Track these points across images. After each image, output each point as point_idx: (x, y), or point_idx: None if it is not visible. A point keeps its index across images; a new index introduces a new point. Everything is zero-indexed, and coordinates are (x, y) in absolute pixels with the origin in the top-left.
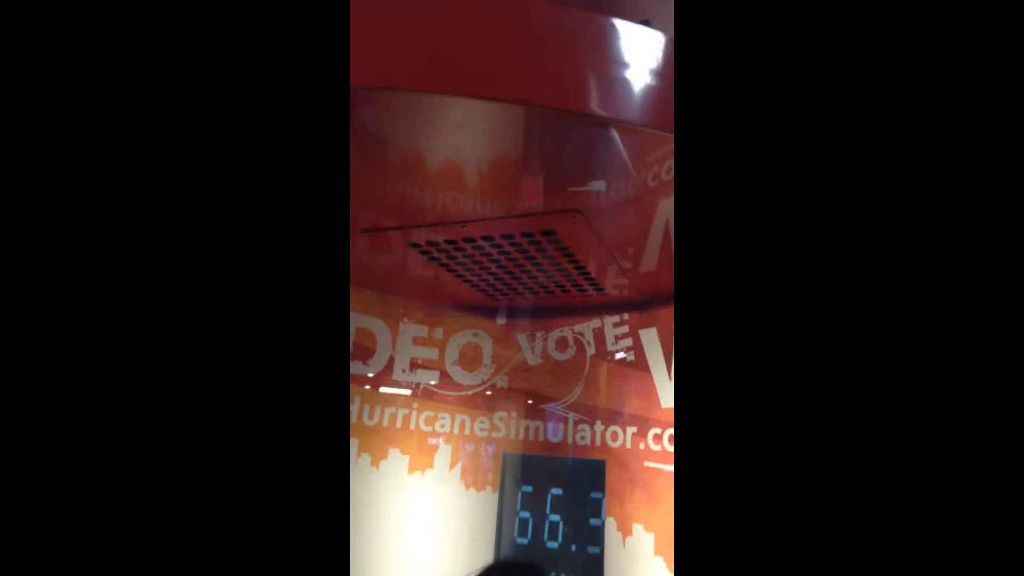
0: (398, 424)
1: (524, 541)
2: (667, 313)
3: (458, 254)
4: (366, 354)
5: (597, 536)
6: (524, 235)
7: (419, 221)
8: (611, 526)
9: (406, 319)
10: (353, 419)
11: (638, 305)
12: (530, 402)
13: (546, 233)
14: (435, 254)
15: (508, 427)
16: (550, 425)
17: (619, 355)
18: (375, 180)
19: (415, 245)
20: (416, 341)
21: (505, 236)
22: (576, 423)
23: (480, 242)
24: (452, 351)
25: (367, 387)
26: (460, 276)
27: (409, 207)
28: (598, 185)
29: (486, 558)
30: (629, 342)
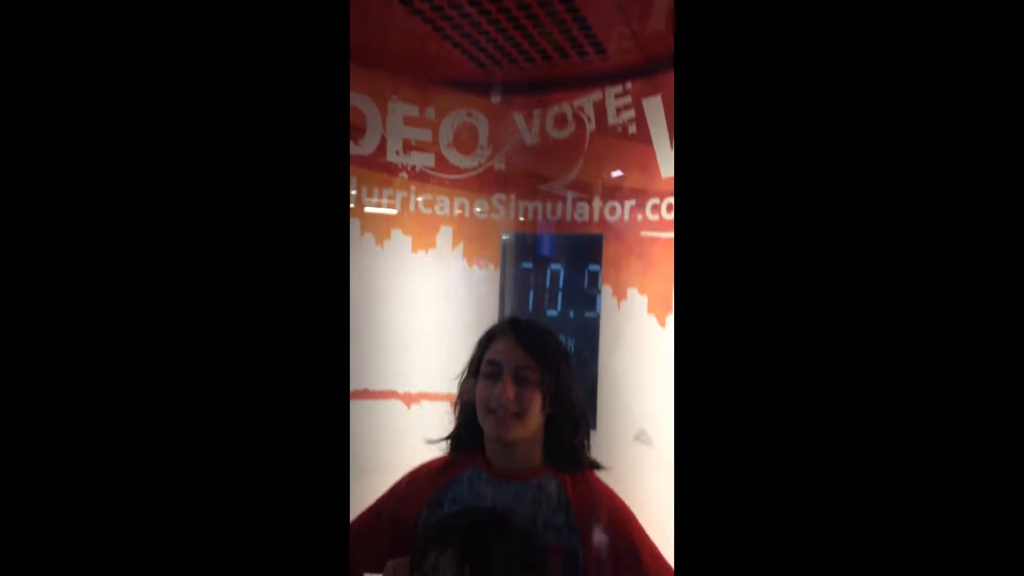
0: (397, 206)
1: (527, 312)
2: (672, 78)
3: (453, 13)
4: (356, 134)
5: (594, 303)
6: None
7: None
8: (607, 292)
9: (395, 97)
10: (352, 202)
11: (642, 72)
12: (528, 182)
13: None
14: (428, 14)
15: (507, 208)
16: (548, 206)
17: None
18: None
19: (406, 3)
20: (407, 121)
21: None
22: (575, 201)
23: None
24: (446, 132)
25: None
26: (453, 41)
27: None
28: None
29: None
30: (631, 114)
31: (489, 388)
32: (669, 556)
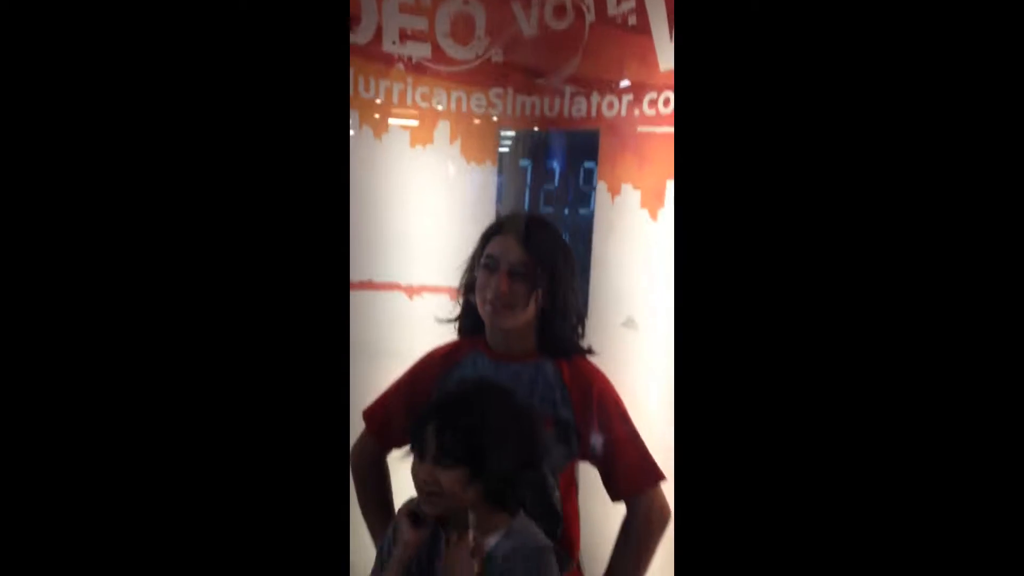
0: (395, 99)
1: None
2: None
3: None
4: (352, 21)
5: (588, 200)
6: None
7: None
8: (602, 188)
9: None
10: (351, 91)
11: None
12: (526, 76)
13: None
14: None
15: (505, 103)
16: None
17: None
18: None
19: None
20: (403, 8)
21: None
22: (572, 96)
23: None
24: (442, 22)
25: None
26: None
27: None
28: None
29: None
30: (631, 4)
31: (486, 280)
32: (664, 438)
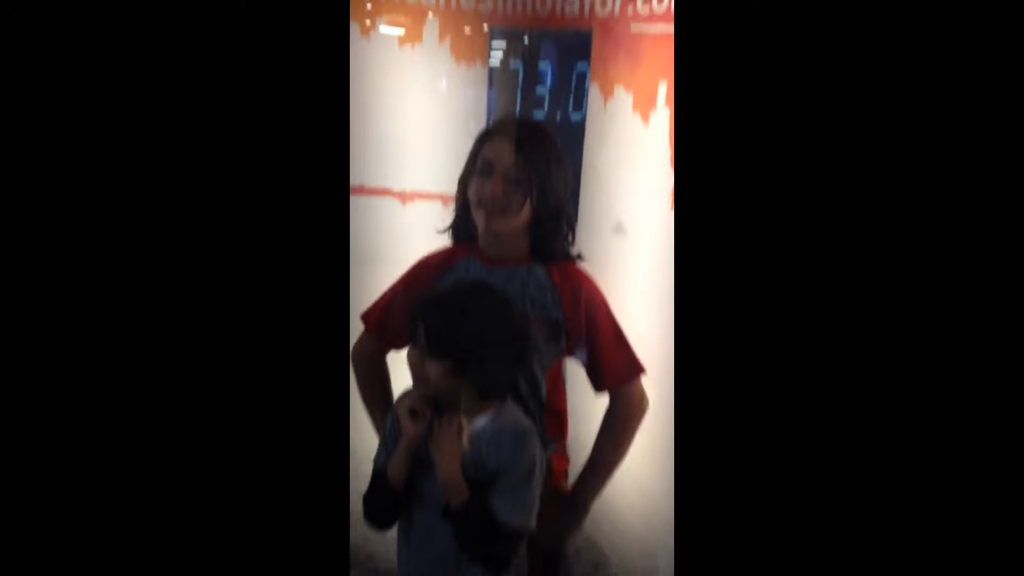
0: None
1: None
2: None
3: None
4: None
5: (581, 103)
6: None
7: None
8: (594, 91)
9: None
10: None
11: None
12: None
13: None
14: None
15: (496, 1)
16: None
17: None
18: None
19: None
20: None
21: None
22: None
23: None
24: None
25: None
26: None
27: None
28: None
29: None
30: None
31: (481, 184)
32: (647, 337)
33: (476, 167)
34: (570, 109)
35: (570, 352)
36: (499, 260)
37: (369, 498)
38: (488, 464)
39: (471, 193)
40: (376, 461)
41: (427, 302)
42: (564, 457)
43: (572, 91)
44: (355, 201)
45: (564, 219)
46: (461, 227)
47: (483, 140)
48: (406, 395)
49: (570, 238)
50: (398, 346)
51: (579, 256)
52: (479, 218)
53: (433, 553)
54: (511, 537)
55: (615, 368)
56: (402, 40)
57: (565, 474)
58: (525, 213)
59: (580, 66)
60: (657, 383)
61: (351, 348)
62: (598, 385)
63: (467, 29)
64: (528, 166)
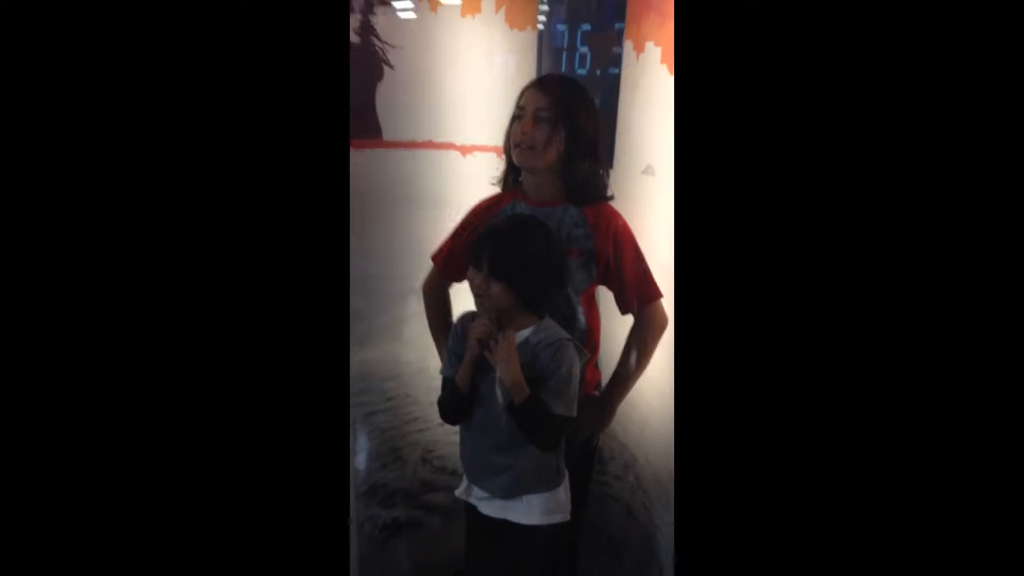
0: None
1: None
2: None
3: None
4: None
5: (618, 60)
6: None
7: None
8: (628, 47)
9: None
10: None
11: None
12: None
13: None
14: None
15: None
16: None
17: None
18: None
19: None
20: None
21: None
22: None
23: None
24: None
25: None
26: None
27: None
28: None
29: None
30: None
31: (516, 126)
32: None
33: (513, 115)
34: (608, 65)
35: (601, 280)
36: (540, 201)
37: (443, 401)
38: (535, 366)
39: (511, 137)
40: (443, 372)
41: (488, 233)
42: (596, 370)
43: (611, 49)
44: (424, 154)
45: (593, 159)
46: (508, 174)
47: (522, 93)
48: (465, 317)
49: (601, 178)
50: (459, 279)
51: (611, 196)
52: (515, 156)
53: (492, 439)
54: (560, 423)
55: (637, 292)
56: (463, 11)
57: (597, 383)
58: (554, 150)
59: (618, 25)
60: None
61: (422, 284)
62: (623, 307)
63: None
64: (556, 108)
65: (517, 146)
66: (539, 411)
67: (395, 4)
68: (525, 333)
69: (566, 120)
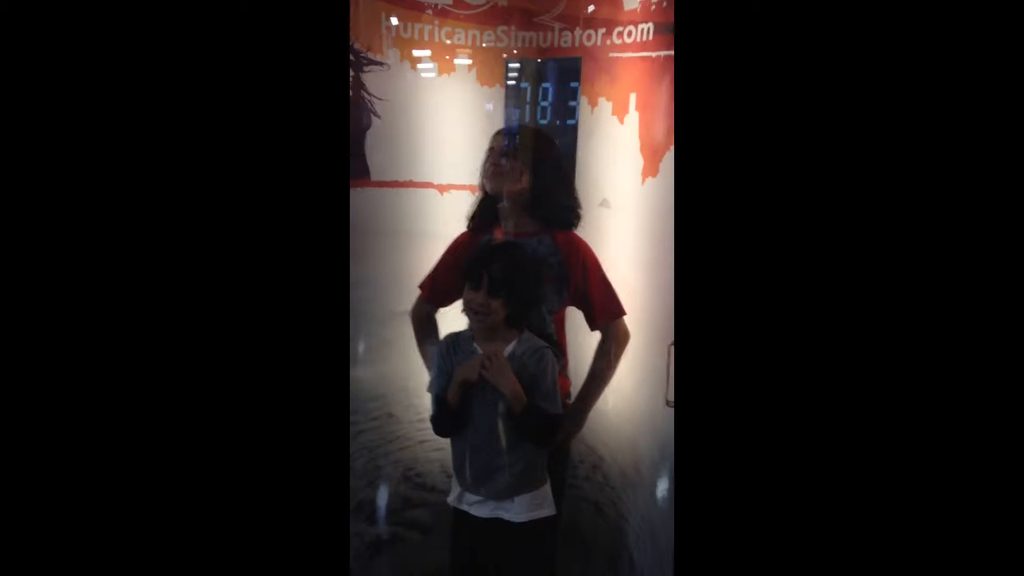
0: (426, 37)
1: (516, 122)
2: None
3: None
4: None
5: (574, 111)
6: None
7: None
8: (583, 102)
9: None
10: (393, 33)
11: None
12: (525, 16)
13: None
14: None
15: (509, 38)
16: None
17: None
18: None
19: None
20: None
21: None
22: (560, 30)
23: None
24: None
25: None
26: None
27: None
28: None
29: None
30: None
31: (486, 161)
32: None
33: (486, 154)
34: (566, 116)
35: (572, 302)
36: (516, 233)
37: (435, 418)
38: (523, 375)
39: (484, 168)
40: (430, 390)
41: (482, 256)
42: (567, 379)
43: (567, 102)
44: (406, 192)
45: (557, 190)
46: (483, 209)
47: (493, 136)
48: (450, 337)
49: (574, 213)
50: (444, 304)
51: (574, 224)
52: (488, 186)
53: (486, 447)
54: (555, 421)
55: (604, 310)
56: (440, 70)
57: (567, 393)
58: (523, 178)
59: (572, 83)
60: (637, 320)
61: (409, 310)
62: (592, 324)
63: (489, 60)
64: (519, 143)
65: (488, 176)
66: (539, 415)
67: (383, 63)
68: (510, 347)
69: (532, 153)
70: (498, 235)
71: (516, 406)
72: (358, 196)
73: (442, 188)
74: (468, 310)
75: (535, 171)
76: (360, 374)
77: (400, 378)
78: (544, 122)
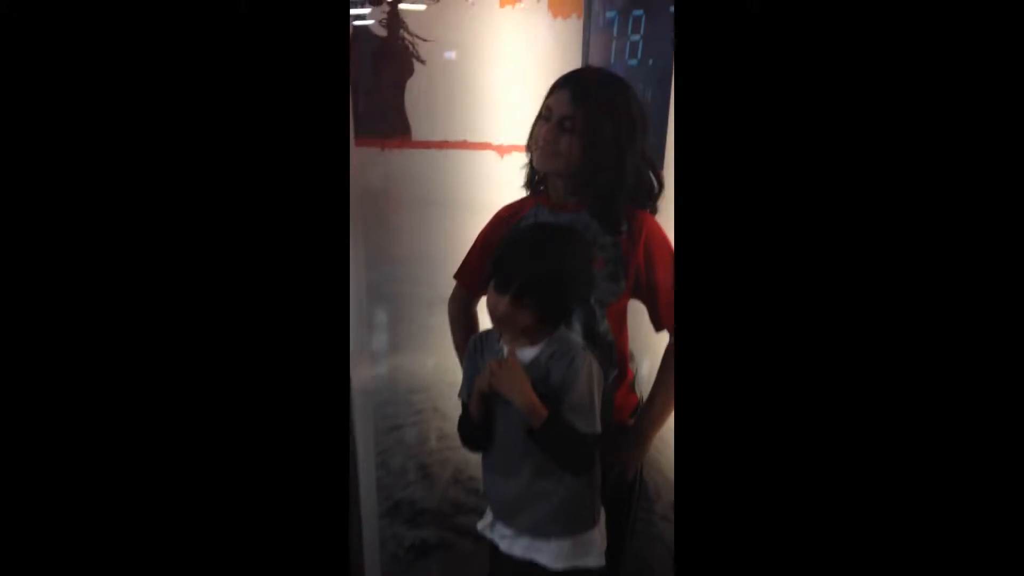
0: None
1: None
2: None
3: None
4: None
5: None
6: None
7: None
8: None
9: None
10: None
11: None
12: None
13: None
14: None
15: None
16: None
17: None
18: None
19: None
20: None
21: None
22: None
23: None
24: None
25: None
26: None
27: None
28: None
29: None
30: None
31: (539, 128)
32: None
33: (541, 114)
34: (662, 56)
35: (633, 293)
36: (563, 205)
37: (460, 427)
38: (551, 381)
39: (535, 135)
40: (460, 396)
41: (511, 254)
42: (633, 394)
43: (664, 37)
44: (457, 155)
45: (624, 169)
46: (531, 175)
47: (551, 91)
48: (480, 336)
49: (655, 187)
50: (485, 293)
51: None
52: (536, 159)
53: (514, 470)
54: (588, 441)
55: (672, 307)
56: (501, 2)
57: (634, 408)
58: (575, 158)
59: (671, 8)
60: None
61: (448, 300)
62: (657, 324)
63: None
64: (583, 117)
65: (539, 148)
66: (562, 431)
67: None
68: (534, 351)
69: (591, 129)
70: (543, 203)
71: (534, 420)
72: (395, 159)
73: (502, 150)
74: (489, 314)
75: (592, 145)
76: (400, 362)
77: (446, 371)
78: (634, 62)
